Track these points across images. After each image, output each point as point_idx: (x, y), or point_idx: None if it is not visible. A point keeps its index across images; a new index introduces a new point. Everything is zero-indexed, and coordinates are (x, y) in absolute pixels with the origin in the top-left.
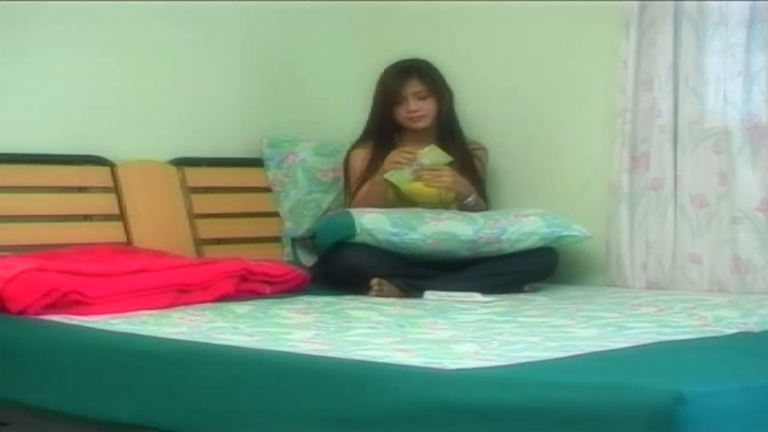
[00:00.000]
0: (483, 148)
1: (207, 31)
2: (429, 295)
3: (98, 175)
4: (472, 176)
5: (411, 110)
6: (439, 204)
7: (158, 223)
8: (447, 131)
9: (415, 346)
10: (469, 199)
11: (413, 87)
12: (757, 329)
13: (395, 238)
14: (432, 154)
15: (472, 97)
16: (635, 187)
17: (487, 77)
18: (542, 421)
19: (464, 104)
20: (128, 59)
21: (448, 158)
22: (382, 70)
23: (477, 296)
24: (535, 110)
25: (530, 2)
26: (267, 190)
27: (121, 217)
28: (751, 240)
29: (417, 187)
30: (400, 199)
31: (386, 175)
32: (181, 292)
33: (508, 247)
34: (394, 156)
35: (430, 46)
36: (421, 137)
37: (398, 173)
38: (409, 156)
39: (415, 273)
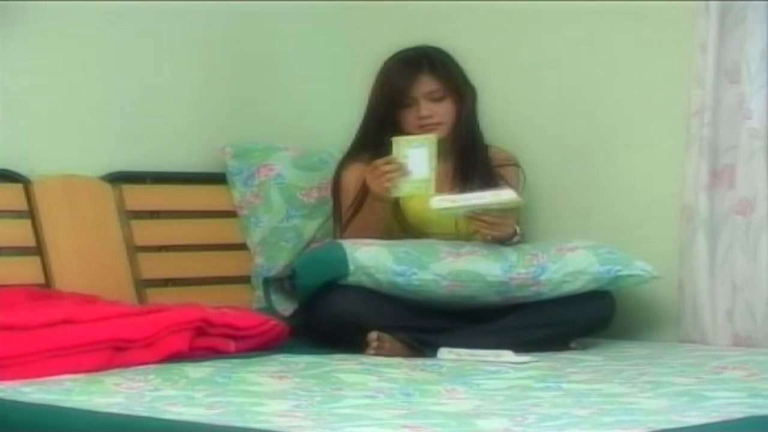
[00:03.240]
0: (514, 165)
1: (155, 18)
2: (444, 353)
3: (7, 195)
4: None
5: (423, 116)
6: (456, 234)
7: (87, 258)
8: (467, 142)
9: (427, 422)
10: (514, 240)
11: (425, 85)
12: None
13: (400, 279)
14: (506, 198)
15: (499, 97)
16: (717, 211)
17: (517, 69)
18: None
19: (488, 106)
20: (49, 50)
21: (520, 201)
22: (383, 62)
23: (508, 355)
24: (583, 111)
25: None
26: (232, 214)
27: (38, 250)
28: None
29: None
30: (403, 226)
31: (434, 207)
32: (118, 350)
33: (548, 291)
34: (380, 168)
35: (442, 32)
36: None
37: (447, 205)
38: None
39: (427, 325)
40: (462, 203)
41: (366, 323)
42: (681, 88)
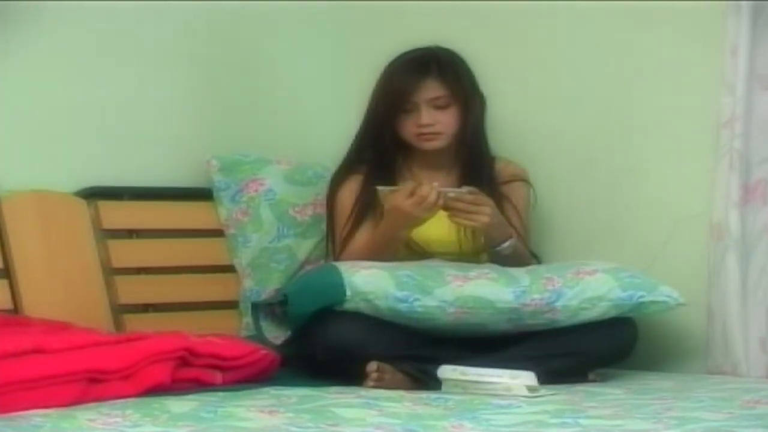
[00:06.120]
0: (522, 181)
1: (135, 20)
2: (448, 372)
3: None
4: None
5: (422, 124)
6: (458, 252)
7: (59, 281)
8: (473, 154)
9: None
10: (505, 244)
11: (430, 91)
12: None
13: (402, 306)
14: (525, 382)
15: (511, 105)
16: (749, 229)
17: (532, 75)
18: None
19: (500, 114)
20: (18, 55)
21: (539, 389)
22: (388, 61)
23: (526, 377)
24: (603, 120)
25: None
26: (218, 233)
27: (6, 272)
28: None
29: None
30: (405, 242)
31: (441, 376)
32: (93, 383)
33: (565, 319)
34: (421, 195)
35: (447, 37)
36: (436, 161)
37: (456, 377)
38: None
39: (432, 354)
40: (474, 377)
41: (365, 352)
42: (710, 96)
